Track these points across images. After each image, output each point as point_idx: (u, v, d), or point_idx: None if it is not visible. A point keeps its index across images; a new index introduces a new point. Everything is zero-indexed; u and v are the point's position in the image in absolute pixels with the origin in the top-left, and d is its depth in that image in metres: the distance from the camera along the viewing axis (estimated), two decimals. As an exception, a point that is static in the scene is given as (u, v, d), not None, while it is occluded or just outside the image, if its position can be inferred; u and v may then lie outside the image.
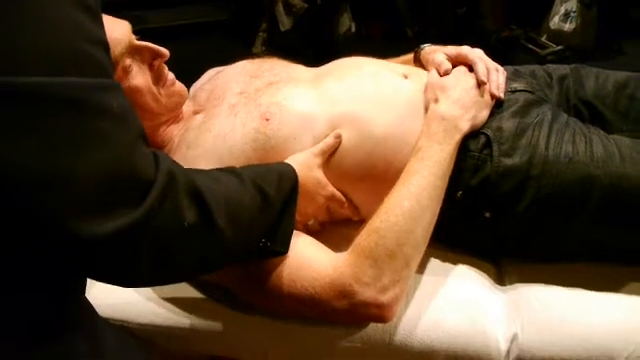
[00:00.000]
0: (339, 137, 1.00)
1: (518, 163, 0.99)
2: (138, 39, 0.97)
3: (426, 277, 1.00)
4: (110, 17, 0.89)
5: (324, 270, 0.87)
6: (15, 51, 0.51)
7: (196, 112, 1.08)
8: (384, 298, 0.86)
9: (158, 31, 3.09)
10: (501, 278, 1.05)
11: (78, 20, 0.55)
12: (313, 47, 2.90)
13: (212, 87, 1.11)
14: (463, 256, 1.06)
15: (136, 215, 0.57)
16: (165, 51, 0.99)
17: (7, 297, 0.61)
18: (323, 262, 0.89)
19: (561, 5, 2.95)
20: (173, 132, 1.06)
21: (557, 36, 2.94)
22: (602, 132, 1.05)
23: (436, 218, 0.94)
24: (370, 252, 0.87)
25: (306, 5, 2.88)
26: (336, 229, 1.03)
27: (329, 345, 0.93)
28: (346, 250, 0.90)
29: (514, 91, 1.10)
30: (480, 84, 1.05)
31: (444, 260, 1.04)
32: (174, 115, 1.06)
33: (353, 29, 3.02)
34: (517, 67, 1.21)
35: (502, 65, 1.13)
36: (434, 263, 1.04)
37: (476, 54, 1.10)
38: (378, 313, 0.87)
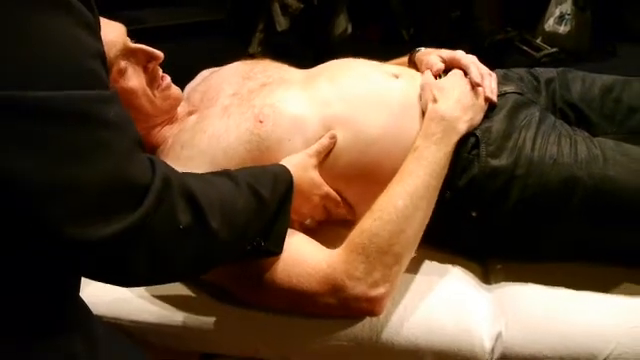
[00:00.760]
0: (334, 138, 1.02)
1: (504, 164, 1.01)
2: (133, 41, 0.99)
3: (413, 276, 1.02)
4: (105, 20, 0.89)
5: (318, 265, 0.90)
6: (22, 67, 0.53)
7: (190, 113, 1.09)
8: (374, 293, 0.89)
9: (155, 31, 3.10)
10: (487, 277, 1.06)
11: (79, 37, 0.57)
12: (309, 47, 2.92)
13: (205, 88, 1.13)
14: (450, 255, 1.07)
15: (133, 219, 0.60)
16: (159, 53, 1.00)
17: (7, 297, 0.63)
18: (317, 258, 0.91)
19: (556, 7, 2.96)
20: (167, 133, 1.07)
21: (552, 38, 2.96)
22: (587, 134, 1.08)
23: (429, 218, 0.96)
24: (363, 249, 0.89)
25: (302, 6, 2.89)
26: (331, 228, 1.04)
27: (317, 342, 0.95)
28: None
29: (504, 94, 1.12)
30: (474, 87, 1.07)
31: (431, 259, 1.06)
32: (169, 117, 1.07)
33: (349, 30, 3.02)
34: (506, 71, 1.23)
35: (493, 68, 1.15)
36: (421, 263, 1.05)
37: (469, 59, 1.12)
38: (368, 307, 0.90)
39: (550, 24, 2.97)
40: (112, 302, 1.00)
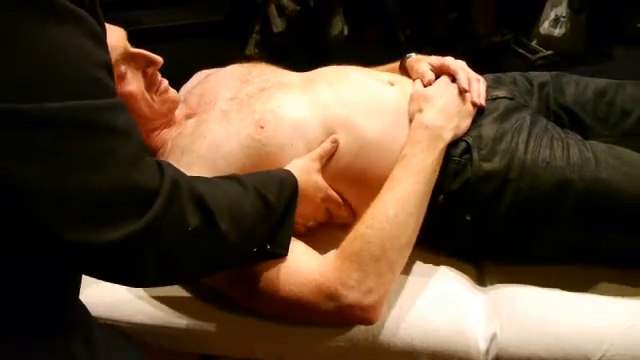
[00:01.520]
0: (336, 142, 1.03)
1: (497, 167, 1.02)
2: (132, 45, 0.99)
3: (408, 278, 1.03)
4: (106, 24, 0.91)
5: (311, 275, 0.91)
6: (30, 78, 0.54)
7: (188, 116, 1.10)
8: (368, 300, 0.90)
9: (152, 32, 3.10)
10: (482, 279, 1.07)
11: (86, 47, 0.58)
12: (306, 49, 2.92)
13: (202, 91, 1.13)
14: (445, 258, 1.08)
15: (143, 222, 0.61)
16: (159, 59, 1.01)
17: (7, 298, 0.64)
18: (311, 267, 0.92)
19: (551, 10, 2.97)
20: (166, 136, 1.07)
21: (547, 41, 2.96)
22: (579, 137, 1.09)
23: (420, 223, 0.97)
24: (356, 257, 0.90)
25: (299, 7, 2.89)
26: (329, 232, 1.06)
27: (314, 344, 0.96)
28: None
29: (495, 98, 1.13)
30: (462, 92, 1.08)
31: (426, 262, 1.07)
32: (167, 120, 1.08)
33: (346, 32, 3.03)
34: (498, 74, 1.24)
35: (489, 70, 1.17)
36: (417, 265, 1.06)
37: (458, 65, 1.13)
38: (362, 315, 0.91)
39: (545, 27, 2.97)
40: (110, 304, 1.01)
